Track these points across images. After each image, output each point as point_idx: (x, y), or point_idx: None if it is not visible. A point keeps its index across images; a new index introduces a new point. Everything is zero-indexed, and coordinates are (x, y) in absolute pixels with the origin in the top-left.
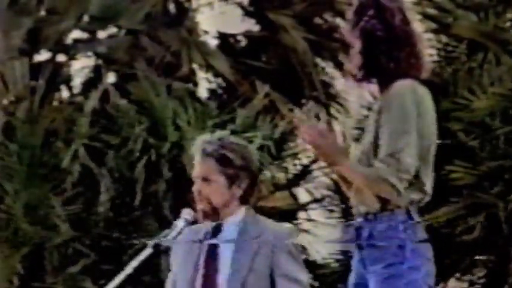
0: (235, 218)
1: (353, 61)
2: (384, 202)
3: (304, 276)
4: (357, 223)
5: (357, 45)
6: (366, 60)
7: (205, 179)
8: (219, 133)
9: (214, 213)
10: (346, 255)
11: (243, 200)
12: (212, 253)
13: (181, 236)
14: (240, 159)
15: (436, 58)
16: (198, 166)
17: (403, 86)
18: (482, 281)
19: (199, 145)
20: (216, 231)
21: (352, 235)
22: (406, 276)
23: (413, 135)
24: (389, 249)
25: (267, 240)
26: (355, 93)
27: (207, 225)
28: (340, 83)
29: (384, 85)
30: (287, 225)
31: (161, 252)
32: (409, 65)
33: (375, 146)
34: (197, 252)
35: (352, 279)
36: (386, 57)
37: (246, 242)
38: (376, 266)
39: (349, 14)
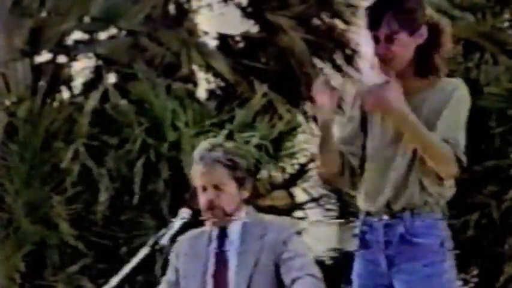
0: (238, 220)
1: (395, 56)
2: (426, 195)
3: (307, 252)
4: (380, 221)
5: (413, 40)
6: (423, 57)
7: (216, 187)
8: (214, 140)
9: (227, 221)
10: (341, 252)
11: (246, 201)
12: (221, 256)
13: (183, 242)
14: (245, 162)
15: None
16: (206, 174)
17: (460, 83)
18: (475, 279)
19: (202, 153)
20: (222, 234)
21: (375, 234)
22: (448, 273)
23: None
24: (431, 247)
25: (270, 239)
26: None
27: (210, 228)
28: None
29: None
30: (288, 219)
31: (157, 251)
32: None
33: None
34: (204, 255)
35: (362, 280)
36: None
37: (249, 242)
38: (413, 264)
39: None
